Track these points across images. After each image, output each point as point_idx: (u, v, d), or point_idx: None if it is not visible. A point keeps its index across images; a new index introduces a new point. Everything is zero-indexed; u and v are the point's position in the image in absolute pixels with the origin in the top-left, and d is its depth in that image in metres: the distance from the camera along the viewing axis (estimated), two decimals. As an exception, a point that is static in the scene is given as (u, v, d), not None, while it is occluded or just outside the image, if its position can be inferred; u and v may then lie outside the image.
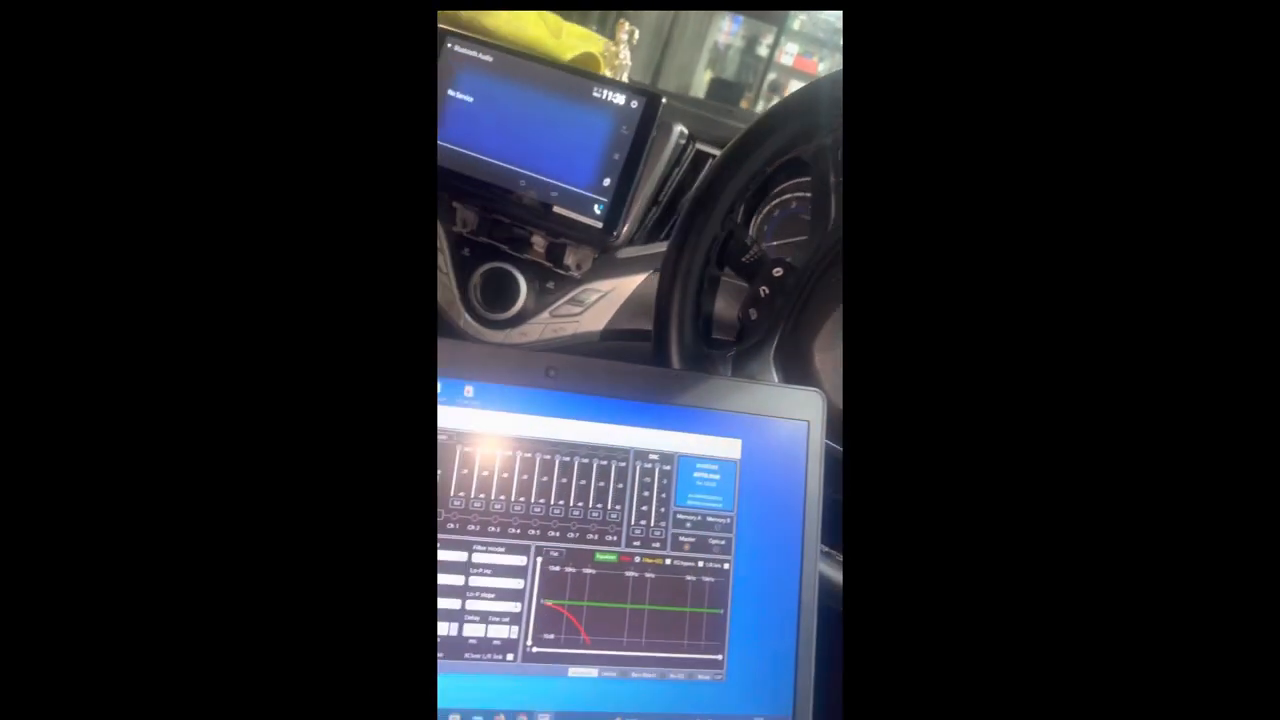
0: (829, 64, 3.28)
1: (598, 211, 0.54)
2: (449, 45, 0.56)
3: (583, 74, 0.56)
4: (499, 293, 0.60)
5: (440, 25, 0.57)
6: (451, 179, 0.57)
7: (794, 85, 3.34)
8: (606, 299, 0.59)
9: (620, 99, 0.54)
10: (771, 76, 3.33)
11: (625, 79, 0.77)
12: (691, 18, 3.08)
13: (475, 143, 0.56)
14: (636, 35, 0.77)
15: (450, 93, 0.56)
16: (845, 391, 0.39)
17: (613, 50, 0.76)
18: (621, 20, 0.75)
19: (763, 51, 3.28)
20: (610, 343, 0.60)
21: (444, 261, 0.61)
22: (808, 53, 3.35)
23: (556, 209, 0.55)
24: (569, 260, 0.59)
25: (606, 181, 0.54)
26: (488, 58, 0.55)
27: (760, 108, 3.33)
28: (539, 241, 0.60)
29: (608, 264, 0.59)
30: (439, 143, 0.56)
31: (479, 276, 0.60)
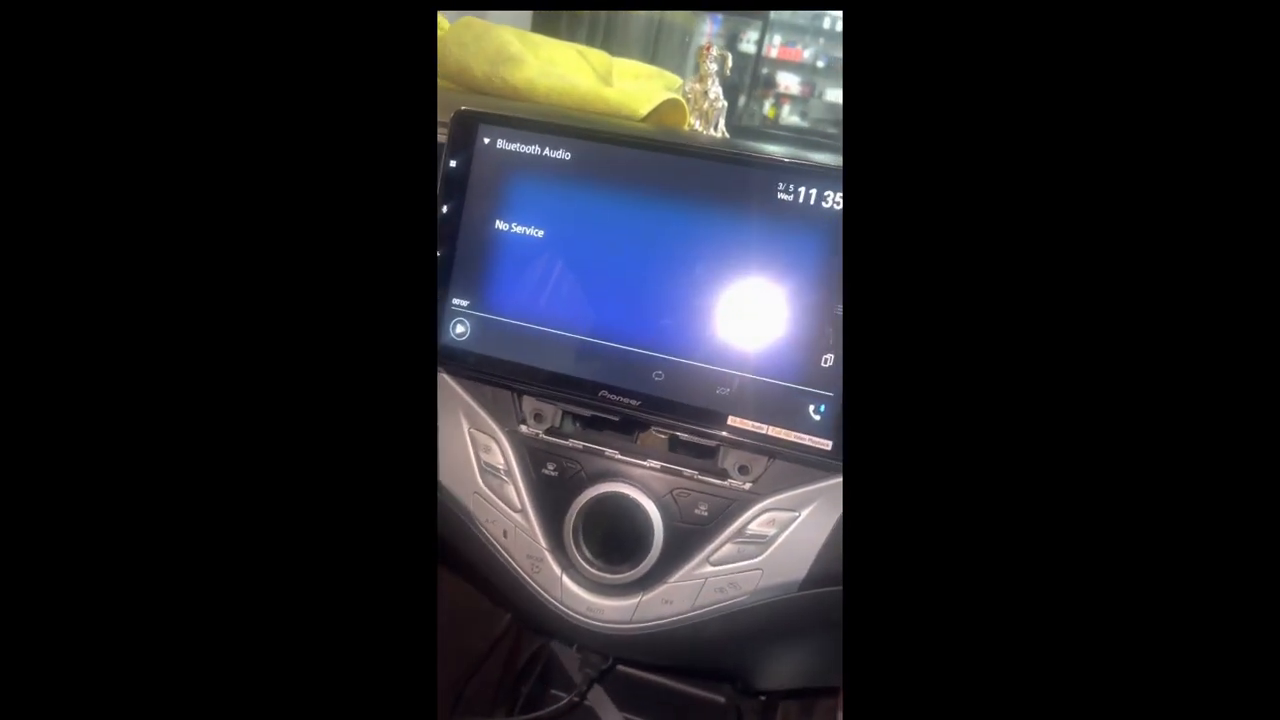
0: (813, 50, 3.15)
1: (817, 417, 0.29)
2: (484, 140, 0.31)
3: (751, 160, 0.31)
4: (615, 535, 0.35)
5: (463, 109, 0.32)
6: (526, 377, 0.32)
7: (784, 75, 3.25)
8: (804, 527, 0.34)
9: (839, 198, 0.29)
10: (762, 71, 3.18)
11: (721, 125, 0.52)
12: (676, 26, 2.95)
13: (558, 308, 0.31)
14: (730, 62, 0.53)
15: (498, 225, 0.31)
16: (845, 391, 0.32)
17: (698, 89, 0.52)
18: (707, 43, 0.51)
19: (745, 48, 3.13)
20: (814, 591, 0.35)
21: (514, 494, 0.36)
22: (791, 41, 3.22)
23: (735, 420, 0.30)
24: (728, 464, 0.35)
25: (827, 360, 0.29)
26: (563, 154, 0.30)
27: (755, 105, 3.20)
28: (659, 435, 0.35)
29: (794, 466, 0.34)
30: (489, 315, 0.32)
31: (580, 512, 0.35)
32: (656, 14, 2.61)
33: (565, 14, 2.02)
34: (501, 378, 0.33)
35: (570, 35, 1.98)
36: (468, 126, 0.32)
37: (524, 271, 0.32)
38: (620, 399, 0.31)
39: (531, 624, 0.38)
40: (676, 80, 0.61)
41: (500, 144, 0.32)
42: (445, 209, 0.32)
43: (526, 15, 1.52)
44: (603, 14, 2.16)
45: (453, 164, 0.32)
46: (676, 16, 2.86)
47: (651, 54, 2.69)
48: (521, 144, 0.31)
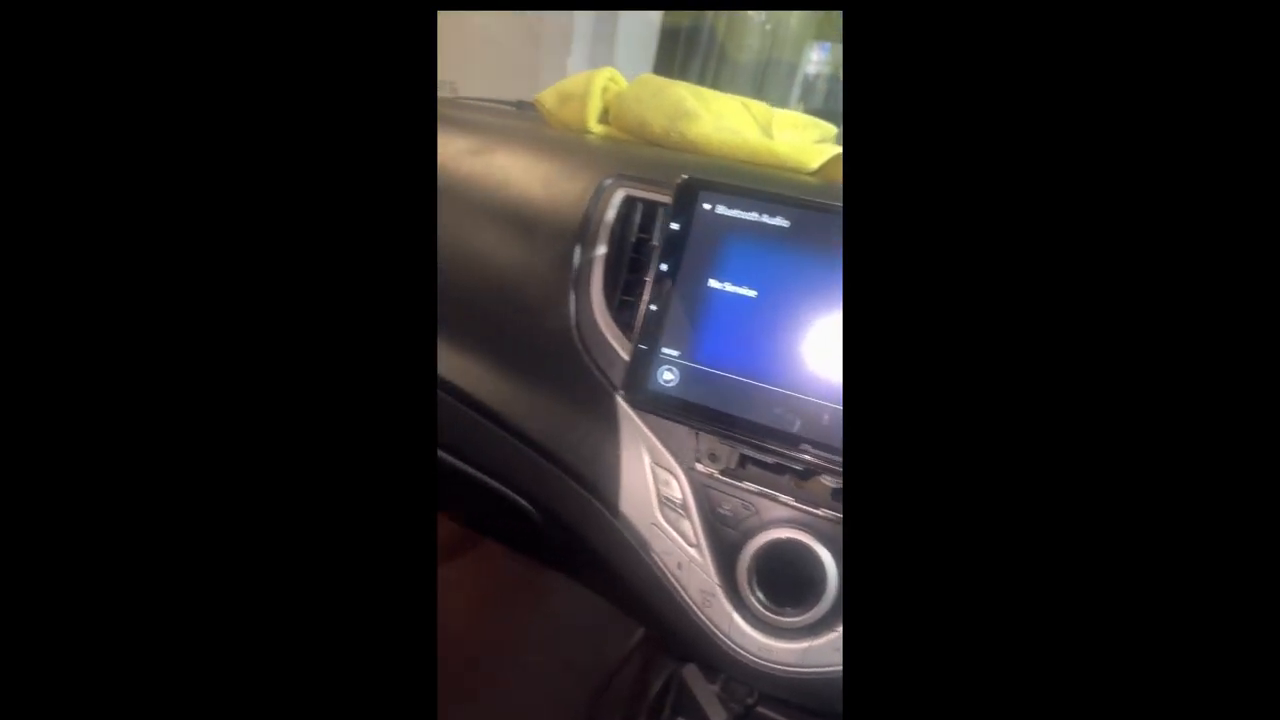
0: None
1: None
2: (704, 206, 0.34)
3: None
4: (789, 579, 0.36)
5: (685, 178, 0.35)
6: (731, 426, 0.34)
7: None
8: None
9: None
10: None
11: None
12: (784, 60, 2.95)
13: (766, 363, 0.33)
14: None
15: (712, 284, 0.33)
16: (845, 388, 0.34)
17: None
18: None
19: (851, 77, 3.08)
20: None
21: (690, 529, 0.38)
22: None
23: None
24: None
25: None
26: (782, 221, 0.33)
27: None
28: (829, 481, 0.36)
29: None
30: (698, 365, 0.34)
31: (755, 554, 0.37)
32: (766, 46, 2.63)
33: (681, 47, 2.07)
34: (706, 424, 0.36)
35: (684, 70, 2.03)
36: (690, 193, 0.35)
37: (735, 327, 0.34)
38: (823, 454, 0.33)
39: (697, 657, 0.40)
40: (831, 128, 0.62)
41: (719, 210, 0.34)
42: (664, 266, 0.35)
43: (648, 50, 1.58)
44: (714, 46, 2.19)
45: (674, 226, 0.35)
46: (784, 50, 2.87)
47: (759, 86, 2.70)
48: (740, 210, 0.34)
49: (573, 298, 0.40)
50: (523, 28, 1.50)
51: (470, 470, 0.47)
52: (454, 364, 0.44)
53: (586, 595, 0.77)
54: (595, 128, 0.55)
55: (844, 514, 0.35)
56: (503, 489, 0.46)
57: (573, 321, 0.40)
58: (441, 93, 1.15)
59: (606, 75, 0.55)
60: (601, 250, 0.40)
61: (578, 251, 0.40)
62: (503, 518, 0.49)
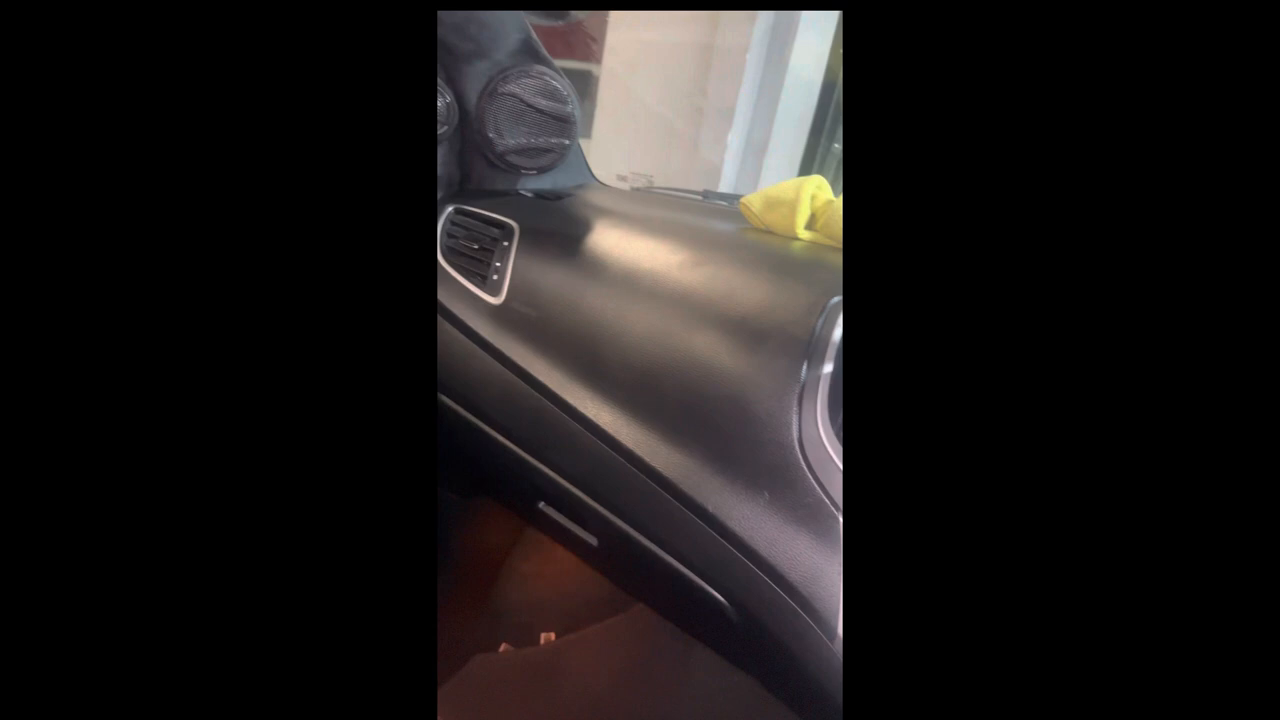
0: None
1: None
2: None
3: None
4: None
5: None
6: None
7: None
8: None
9: None
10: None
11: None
12: None
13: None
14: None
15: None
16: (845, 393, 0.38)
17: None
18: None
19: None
20: None
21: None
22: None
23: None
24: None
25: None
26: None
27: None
28: None
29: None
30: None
31: None
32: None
33: (830, 115, 2.08)
34: None
35: (832, 137, 2.03)
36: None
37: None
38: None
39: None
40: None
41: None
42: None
43: (804, 125, 1.61)
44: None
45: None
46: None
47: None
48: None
49: (796, 413, 0.41)
50: (687, 104, 1.59)
51: (668, 558, 0.49)
52: (671, 459, 0.46)
53: (736, 679, 0.75)
54: (803, 234, 0.56)
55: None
56: (701, 583, 0.47)
57: (795, 436, 0.41)
58: (636, 184, 1.25)
59: (814, 183, 0.57)
60: (828, 369, 0.41)
61: (804, 368, 0.42)
62: (693, 607, 0.50)
